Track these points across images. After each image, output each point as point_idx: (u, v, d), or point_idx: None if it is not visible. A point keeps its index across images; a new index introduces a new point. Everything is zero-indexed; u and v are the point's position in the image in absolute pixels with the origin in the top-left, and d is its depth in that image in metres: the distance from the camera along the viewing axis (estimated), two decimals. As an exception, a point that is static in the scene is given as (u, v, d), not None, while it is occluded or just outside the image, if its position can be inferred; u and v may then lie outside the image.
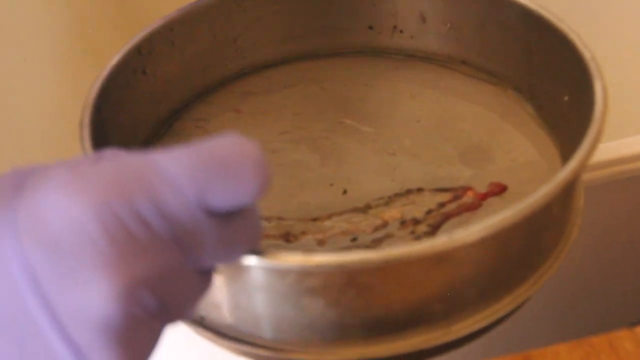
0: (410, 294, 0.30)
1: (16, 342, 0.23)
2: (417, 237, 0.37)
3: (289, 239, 0.38)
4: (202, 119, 0.47)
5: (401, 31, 0.50)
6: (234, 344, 0.33)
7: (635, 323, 0.38)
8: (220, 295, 0.31)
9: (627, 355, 0.32)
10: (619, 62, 0.48)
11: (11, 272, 0.23)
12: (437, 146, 0.43)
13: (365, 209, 0.39)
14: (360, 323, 0.31)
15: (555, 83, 0.41)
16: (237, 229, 0.25)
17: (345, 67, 0.50)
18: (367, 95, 0.48)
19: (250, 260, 0.28)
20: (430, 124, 0.45)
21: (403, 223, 0.38)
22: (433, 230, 0.38)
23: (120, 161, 0.24)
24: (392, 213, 0.39)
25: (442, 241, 0.28)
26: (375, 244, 0.37)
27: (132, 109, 0.43)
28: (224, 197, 0.24)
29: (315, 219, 0.39)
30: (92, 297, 0.22)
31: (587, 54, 0.37)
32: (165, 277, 0.23)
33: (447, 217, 0.38)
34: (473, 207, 0.39)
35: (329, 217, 0.39)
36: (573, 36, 0.39)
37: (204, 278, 0.25)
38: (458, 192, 0.39)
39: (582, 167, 0.31)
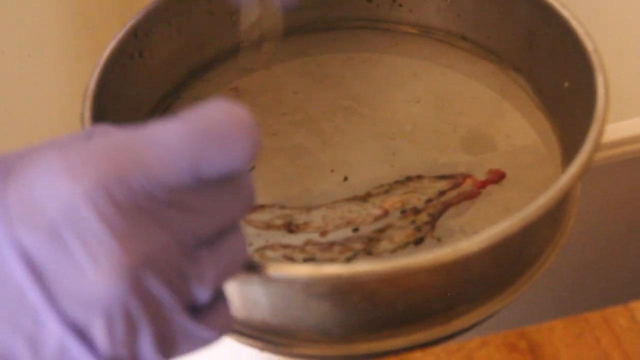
0: (412, 297, 0.31)
1: (11, 326, 0.23)
2: (418, 228, 0.38)
3: (291, 229, 0.38)
4: (200, 97, 0.47)
5: (400, 5, 0.49)
6: (243, 339, 0.34)
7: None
8: (231, 295, 0.32)
9: (621, 330, 0.33)
10: (620, 42, 0.48)
11: (4, 256, 0.22)
12: (437, 130, 0.43)
13: (366, 197, 0.40)
14: (364, 322, 0.32)
15: (556, 68, 0.41)
16: (230, 195, 0.25)
17: (343, 41, 0.50)
18: (366, 73, 0.48)
19: (260, 272, 0.28)
20: (430, 105, 0.45)
21: (403, 212, 0.39)
22: (433, 220, 0.38)
23: (111, 138, 0.24)
24: (393, 202, 0.39)
25: (446, 252, 0.29)
26: (376, 234, 0.38)
27: (130, 92, 0.43)
28: (216, 164, 0.24)
29: (317, 208, 0.39)
30: (91, 280, 0.22)
31: (589, 45, 0.37)
32: (163, 255, 0.23)
33: (446, 205, 0.39)
34: (472, 195, 0.39)
35: (331, 206, 0.39)
36: (575, 24, 0.38)
37: (203, 254, 0.25)
38: (457, 179, 0.40)
39: (584, 170, 0.31)
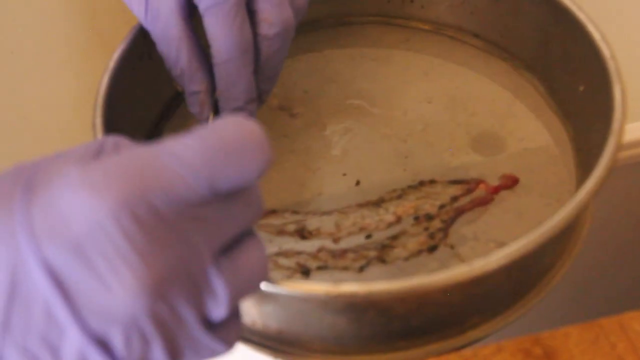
0: (427, 311, 0.31)
1: (38, 339, 0.23)
2: (431, 235, 0.38)
3: (304, 235, 0.38)
4: (209, 96, 0.47)
5: (412, 1, 0.48)
6: (258, 348, 0.34)
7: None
8: (250, 309, 0.32)
9: (637, 336, 0.33)
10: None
11: (30, 271, 0.23)
12: (449, 131, 0.43)
13: (379, 202, 0.39)
14: (379, 334, 0.32)
15: (570, 71, 0.40)
16: (242, 205, 0.25)
17: (353, 37, 0.49)
18: (377, 70, 0.47)
19: (279, 289, 0.28)
20: (442, 105, 0.44)
21: (417, 219, 0.38)
22: (446, 226, 0.38)
23: (131, 154, 0.24)
24: (406, 208, 0.39)
25: (462, 271, 0.29)
26: (390, 241, 0.38)
27: (140, 94, 0.42)
28: (232, 179, 0.24)
29: (329, 213, 0.39)
30: (115, 296, 0.23)
31: (606, 52, 0.36)
32: (183, 270, 0.24)
33: (460, 212, 0.39)
34: (485, 202, 0.39)
35: (343, 211, 0.39)
36: (592, 28, 0.38)
37: (222, 266, 0.25)
38: (470, 184, 0.40)
39: (601, 184, 0.31)
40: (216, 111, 0.38)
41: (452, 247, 0.37)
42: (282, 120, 0.44)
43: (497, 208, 0.39)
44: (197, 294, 0.24)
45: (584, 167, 0.39)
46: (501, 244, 0.38)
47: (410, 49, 0.48)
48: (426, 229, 0.38)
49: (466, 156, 0.42)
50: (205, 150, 0.24)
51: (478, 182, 0.40)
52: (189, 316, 0.24)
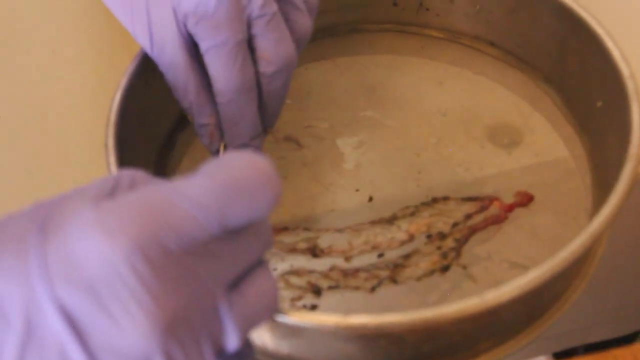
0: (438, 339, 0.31)
1: None
2: (444, 254, 0.37)
3: (316, 254, 0.38)
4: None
5: (427, 9, 0.47)
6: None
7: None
8: (261, 333, 0.32)
9: None
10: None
11: (44, 312, 0.23)
12: (463, 145, 0.42)
13: (392, 219, 0.39)
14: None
15: (588, 85, 0.40)
16: (251, 239, 0.26)
17: (366, 44, 0.49)
18: (391, 79, 0.47)
19: (289, 320, 0.28)
20: (456, 117, 0.44)
21: (429, 237, 0.38)
22: (459, 245, 0.38)
23: (142, 192, 0.24)
24: (419, 225, 0.39)
25: (474, 303, 0.28)
26: (402, 260, 0.37)
27: (154, 107, 0.42)
28: (242, 216, 0.25)
29: (341, 231, 0.39)
30: (128, 336, 0.23)
31: (625, 71, 0.35)
32: (194, 308, 0.24)
33: (473, 230, 0.38)
34: (499, 220, 0.39)
35: (356, 228, 0.39)
36: (611, 45, 0.37)
37: (233, 300, 0.26)
38: (484, 202, 0.39)
39: (617, 211, 0.31)
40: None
41: (464, 267, 0.37)
42: (295, 132, 0.44)
43: (511, 226, 0.38)
44: (209, 329, 0.24)
45: (601, 185, 0.39)
46: (514, 264, 0.37)
47: (425, 56, 0.47)
48: (439, 247, 0.38)
49: (480, 171, 0.41)
50: (215, 188, 0.24)
51: (492, 199, 0.39)
52: (201, 352, 0.24)
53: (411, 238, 0.38)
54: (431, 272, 0.37)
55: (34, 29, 0.48)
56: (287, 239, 0.39)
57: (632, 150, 0.32)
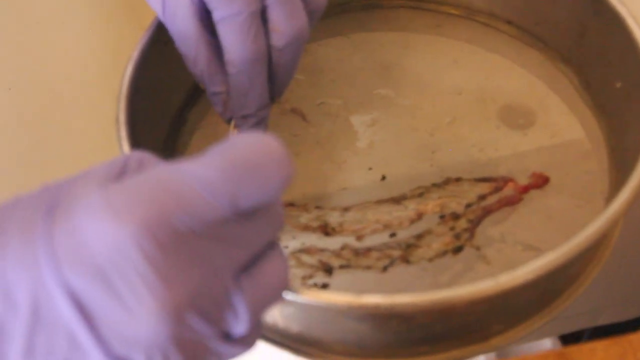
0: (450, 321, 0.31)
1: None
2: (457, 235, 0.37)
3: (327, 232, 0.38)
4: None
5: (444, -15, 0.47)
6: (279, 347, 0.34)
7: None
8: (271, 311, 0.32)
9: None
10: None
11: (52, 297, 0.23)
12: (478, 125, 0.42)
13: (400, 199, 0.39)
14: (401, 340, 0.32)
15: (608, 66, 0.39)
16: (263, 222, 0.25)
17: (382, 21, 0.48)
18: (406, 57, 0.46)
19: (299, 298, 0.28)
20: (472, 97, 0.43)
21: (442, 217, 0.38)
22: (472, 226, 0.37)
23: (150, 174, 0.24)
24: (432, 206, 0.38)
25: (487, 286, 0.28)
26: (414, 240, 0.37)
27: (166, 80, 0.42)
28: (254, 197, 0.24)
29: (353, 209, 0.39)
30: (138, 320, 0.23)
31: (646, 51, 0.35)
32: (204, 291, 0.24)
33: (487, 211, 0.38)
34: (514, 201, 0.38)
35: (367, 206, 0.39)
36: (632, 24, 0.36)
37: (242, 285, 0.25)
38: (499, 183, 0.39)
39: (635, 195, 0.30)
40: None
41: (478, 248, 0.37)
42: (308, 109, 0.43)
43: (525, 208, 0.38)
44: (219, 313, 0.24)
45: (618, 168, 0.38)
46: (528, 247, 0.37)
47: (441, 34, 0.47)
48: (452, 228, 0.37)
49: (495, 151, 0.41)
50: (226, 168, 0.24)
51: (507, 180, 0.39)
52: (211, 335, 0.24)
53: (419, 216, 0.38)
54: (444, 253, 0.36)
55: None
56: (299, 216, 0.38)
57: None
